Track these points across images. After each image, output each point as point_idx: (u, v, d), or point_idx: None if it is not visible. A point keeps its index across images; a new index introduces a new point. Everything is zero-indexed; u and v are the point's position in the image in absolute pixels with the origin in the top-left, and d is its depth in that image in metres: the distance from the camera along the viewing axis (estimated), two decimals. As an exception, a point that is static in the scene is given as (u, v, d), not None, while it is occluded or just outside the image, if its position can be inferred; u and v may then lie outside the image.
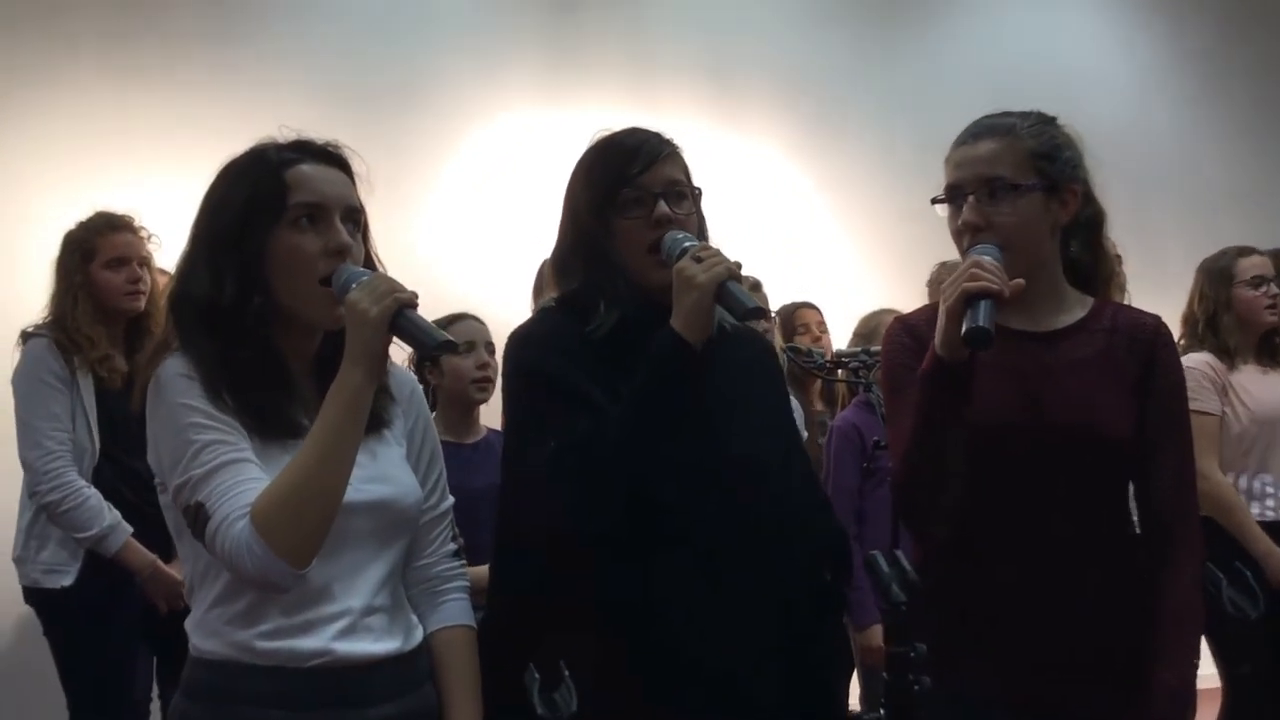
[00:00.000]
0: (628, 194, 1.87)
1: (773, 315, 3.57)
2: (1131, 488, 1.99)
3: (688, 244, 1.80)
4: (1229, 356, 3.70)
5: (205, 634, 1.64)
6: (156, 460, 1.65)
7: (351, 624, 1.65)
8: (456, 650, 1.79)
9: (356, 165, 1.77)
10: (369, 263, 1.74)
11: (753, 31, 5.69)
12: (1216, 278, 3.78)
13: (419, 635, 1.77)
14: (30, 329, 3.27)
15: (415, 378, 1.87)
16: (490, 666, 1.80)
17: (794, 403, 3.59)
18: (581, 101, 5.13)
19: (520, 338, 1.93)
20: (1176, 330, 3.89)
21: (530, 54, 5.30)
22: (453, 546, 1.84)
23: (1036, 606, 1.87)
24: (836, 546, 1.99)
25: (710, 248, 1.79)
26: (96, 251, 3.27)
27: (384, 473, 1.72)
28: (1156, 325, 2.00)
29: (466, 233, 4.93)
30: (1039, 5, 6.25)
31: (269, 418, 1.63)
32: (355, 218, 1.72)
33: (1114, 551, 1.93)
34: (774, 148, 5.66)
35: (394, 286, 1.59)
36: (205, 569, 1.64)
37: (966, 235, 1.89)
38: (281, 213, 1.66)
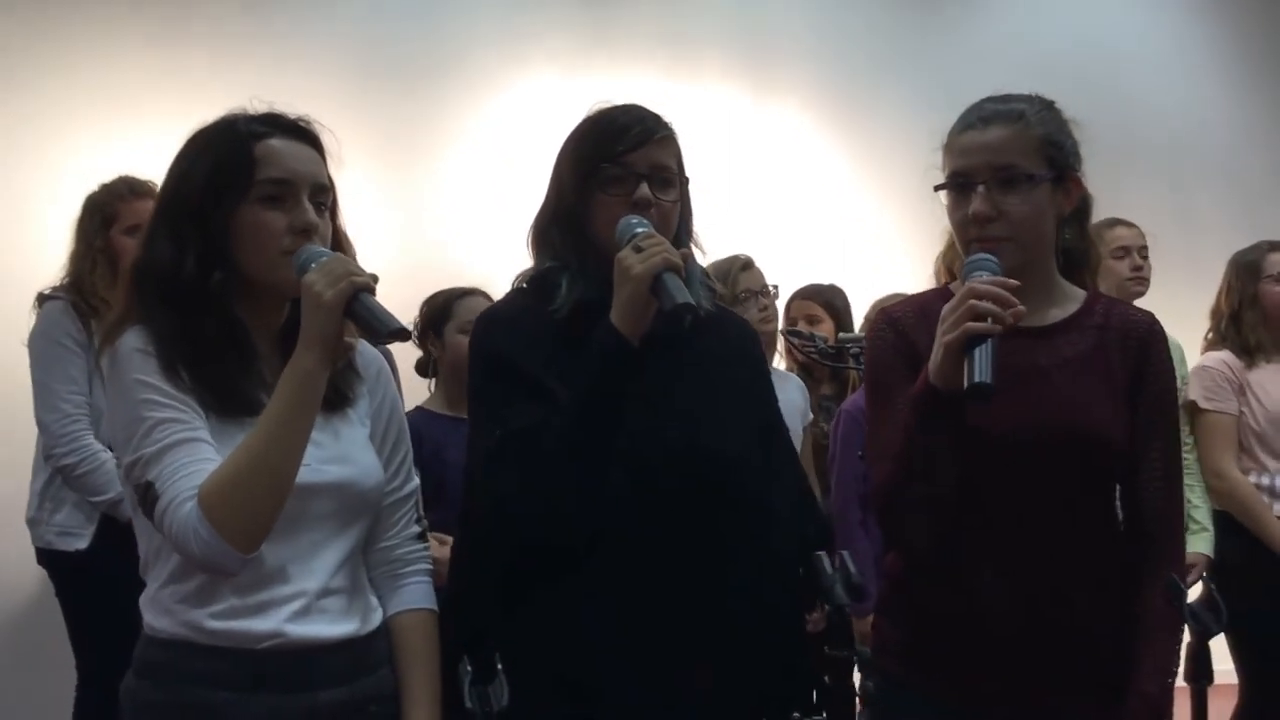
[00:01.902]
0: (611, 170, 1.83)
1: (773, 289, 3.49)
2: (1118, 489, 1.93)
3: (638, 230, 1.76)
4: (1249, 354, 3.62)
5: (158, 611, 1.64)
6: (111, 436, 1.64)
7: (306, 606, 1.64)
8: (416, 634, 1.78)
9: (328, 141, 1.75)
10: (337, 241, 1.73)
11: (787, 5, 5.61)
12: (1244, 271, 3.69)
13: (378, 618, 1.76)
14: (47, 291, 3.27)
15: (380, 356, 1.85)
16: (446, 649, 1.79)
17: (799, 386, 3.57)
18: (612, 73, 5.08)
19: (484, 319, 1.92)
20: (1206, 323, 3.80)
21: (561, 24, 5.26)
22: (416, 529, 1.83)
23: (1020, 611, 1.83)
24: (818, 537, 1.95)
25: (654, 236, 1.74)
26: (117, 216, 3.26)
27: (345, 453, 1.71)
28: (1150, 323, 1.94)
29: (493, 205, 4.90)
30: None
31: (226, 394, 1.62)
32: (323, 196, 1.70)
33: (1100, 555, 1.88)
34: (806, 123, 5.58)
35: (351, 269, 1.57)
36: (159, 546, 1.63)
37: (974, 226, 1.83)
38: (248, 188, 1.64)
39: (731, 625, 1.76)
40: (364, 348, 1.83)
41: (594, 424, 1.71)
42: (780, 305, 3.71)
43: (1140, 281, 3.58)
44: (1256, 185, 6.04)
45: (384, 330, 1.55)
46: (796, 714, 1.37)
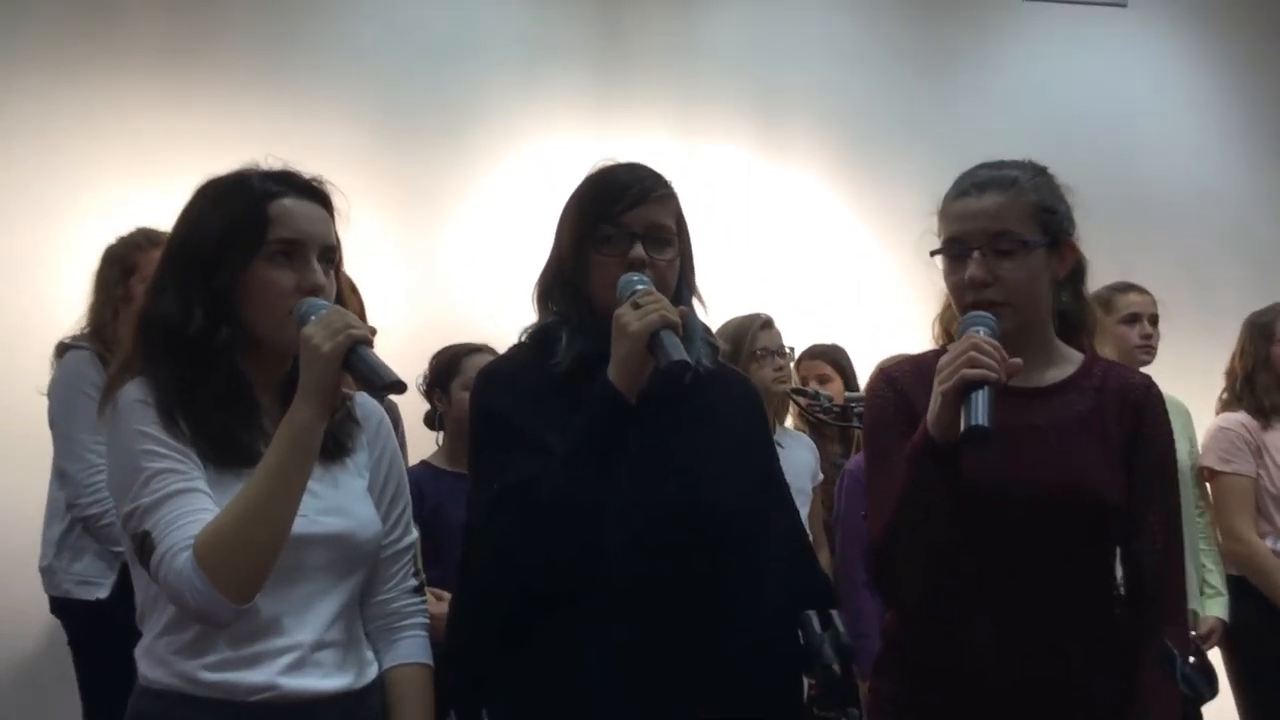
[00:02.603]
0: (607, 230, 1.85)
1: (789, 350, 3.51)
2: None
3: (638, 288, 1.77)
4: (1264, 416, 3.60)
5: (152, 662, 1.64)
6: (110, 485, 1.65)
7: (300, 658, 1.64)
8: (410, 688, 1.77)
9: (338, 201, 1.77)
10: (340, 297, 1.74)
11: (801, 66, 5.65)
12: (1258, 333, 3.69)
13: (373, 672, 1.75)
14: (68, 340, 3.29)
15: (380, 408, 1.86)
16: (443, 704, 1.78)
17: (809, 446, 3.56)
18: (626, 128, 5.13)
19: (485, 375, 1.93)
20: (1218, 388, 3.78)
21: (576, 79, 5.31)
22: (413, 583, 1.83)
23: (1015, 666, 1.81)
24: (815, 594, 1.94)
25: (652, 294, 1.75)
26: (136, 267, 3.27)
27: (343, 505, 1.71)
28: (1146, 385, 1.95)
29: (506, 262, 4.93)
30: (1102, 52, 6.14)
31: (225, 446, 1.63)
32: (330, 255, 1.72)
33: (1097, 612, 1.87)
34: (818, 182, 5.60)
35: (349, 322, 1.58)
36: (155, 596, 1.63)
37: (970, 292, 1.85)
38: (260, 246, 1.66)
39: (731, 668, 1.75)
40: (363, 399, 1.84)
41: (589, 478, 1.71)
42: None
43: (1148, 350, 3.57)
44: (1270, 251, 6.03)
45: (380, 383, 1.56)
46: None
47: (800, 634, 1.35)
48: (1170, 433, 1.95)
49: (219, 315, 1.65)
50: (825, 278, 5.45)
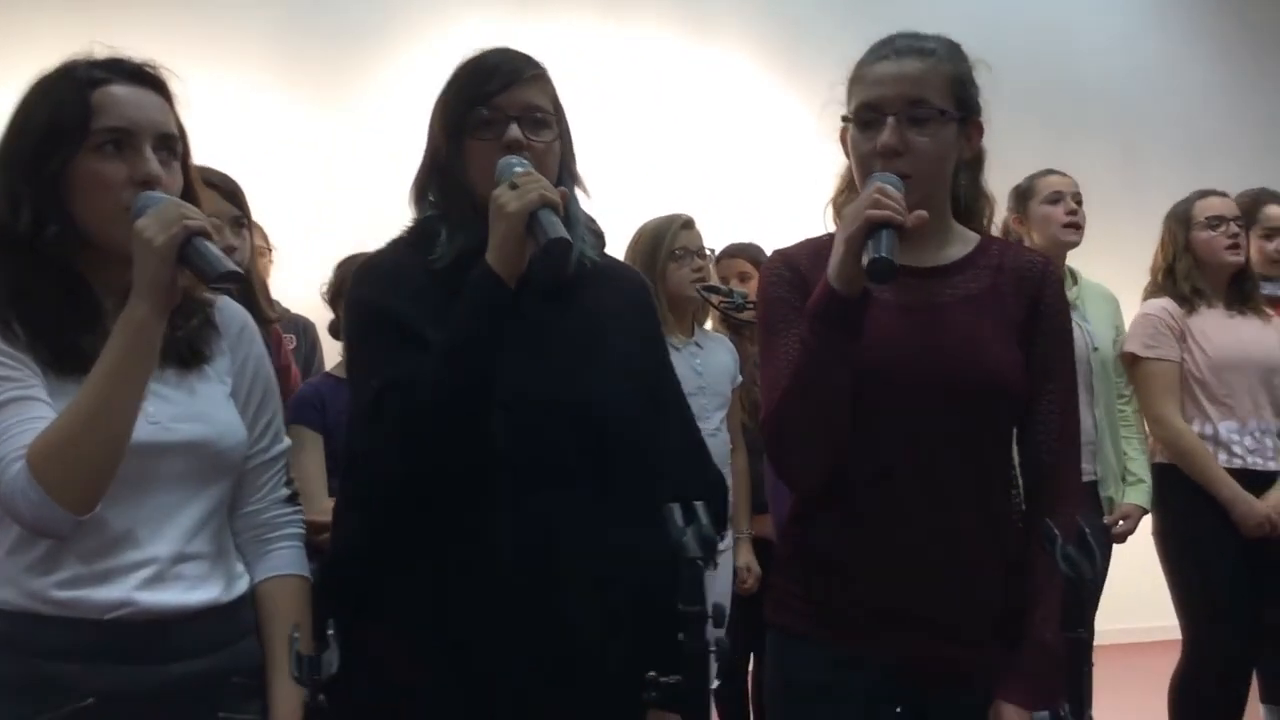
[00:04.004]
0: (481, 114, 1.76)
1: (710, 251, 3.44)
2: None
3: (517, 169, 1.69)
4: (1187, 302, 3.58)
5: (1, 582, 1.56)
6: None
7: (159, 572, 1.57)
8: (283, 601, 1.70)
9: (175, 87, 1.66)
10: (189, 192, 1.64)
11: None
12: (1176, 222, 3.66)
13: (243, 585, 1.69)
14: None
15: (246, 313, 1.77)
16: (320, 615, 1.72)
17: (728, 347, 3.50)
18: (552, 12, 5.00)
19: (360, 269, 1.85)
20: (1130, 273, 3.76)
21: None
22: (285, 492, 1.75)
23: (914, 558, 1.78)
24: (710, 496, 1.89)
25: (531, 174, 1.67)
26: None
27: (201, 411, 1.63)
28: (1044, 265, 1.90)
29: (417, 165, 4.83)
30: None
31: (63, 351, 1.54)
32: (170, 144, 1.62)
33: (994, 502, 1.84)
34: (749, 80, 5.50)
35: (184, 213, 1.49)
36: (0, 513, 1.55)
37: (879, 161, 1.77)
38: (85, 136, 1.56)
39: (612, 575, 1.70)
40: (227, 304, 1.75)
41: (471, 368, 1.64)
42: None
43: (1074, 228, 3.53)
44: (1206, 141, 6.01)
45: (214, 273, 1.47)
46: (651, 673, 1.30)
47: (661, 526, 1.29)
48: (1068, 314, 1.91)
49: (47, 213, 1.55)
50: (758, 172, 5.36)
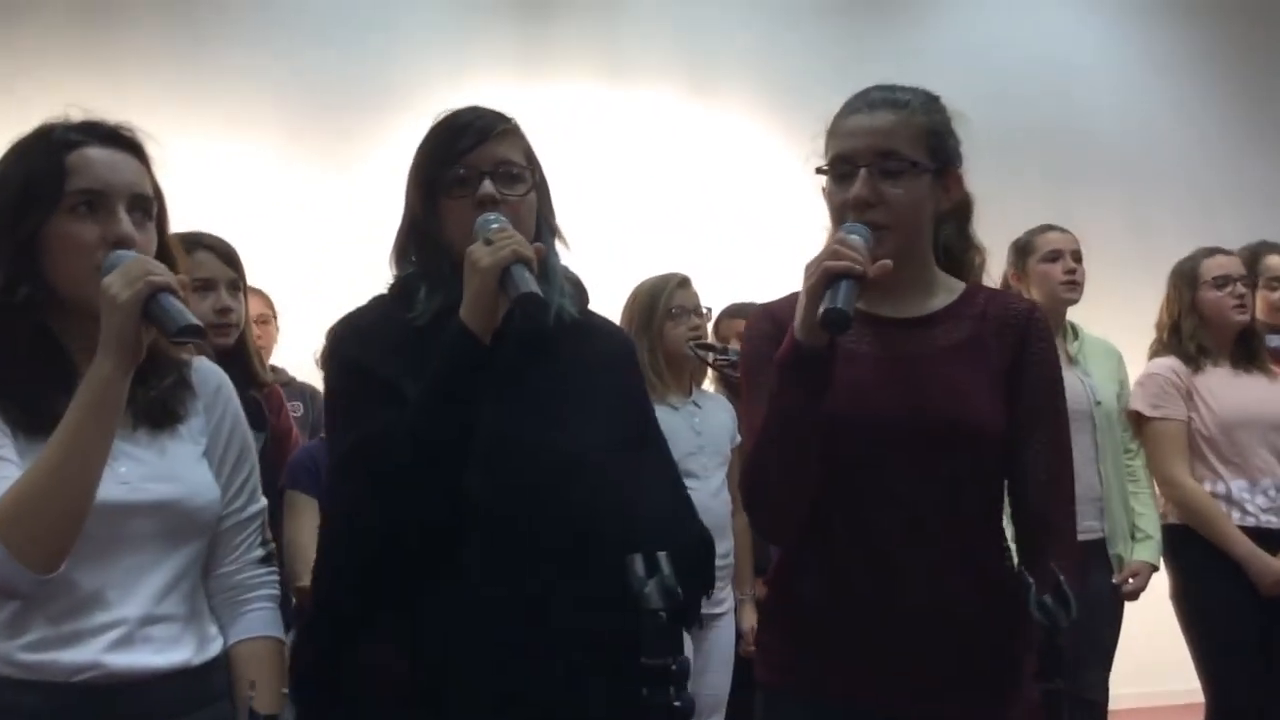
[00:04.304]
0: (454, 173, 1.78)
1: (706, 310, 3.44)
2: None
3: (493, 226, 1.69)
4: (1193, 360, 3.54)
5: None
6: None
7: (127, 634, 1.54)
8: (255, 663, 1.67)
9: (152, 149, 1.67)
10: (165, 255, 1.65)
11: (730, 27, 5.57)
12: (1182, 280, 3.64)
13: (216, 648, 1.66)
14: None
15: (223, 373, 1.76)
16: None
17: (726, 407, 3.48)
18: (552, 88, 5.05)
19: (339, 326, 1.85)
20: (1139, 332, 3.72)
21: (499, 40, 5.23)
22: (260, 552, 1.73)
23: (898, 612, 1.75)
24: (694, 555, 1.87)
25: (506, 230, 1.67)
26: None
27: (172, 471, 1.62)
28: (1029, 311, 1.88)
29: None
30: (1029, 2, 6.07)
31: (33, 410, 1.53)
32: (145, 205, 1.62)
33: (983, 556, 1.80)
34: (750, 141, 5.53)
35: (149, 269, 1.49)
36: None
37: (853, 211, 1.77)
38: (59, 198, 1.57)
39: (593, 627, 1.66)
40: (203, 364, 1.75)
41: (446, 424, 1.63)
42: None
43: (1073, 286, 3.51)
44: (1212, 194, 5.99)
45: (174, 327, 1.46)
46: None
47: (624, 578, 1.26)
48: (1056, 361, 1.88)
49: (20, 274, 1.55)
50: (759, 231, 5.37)
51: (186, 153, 4.13)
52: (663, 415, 3.32)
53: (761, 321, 1.89)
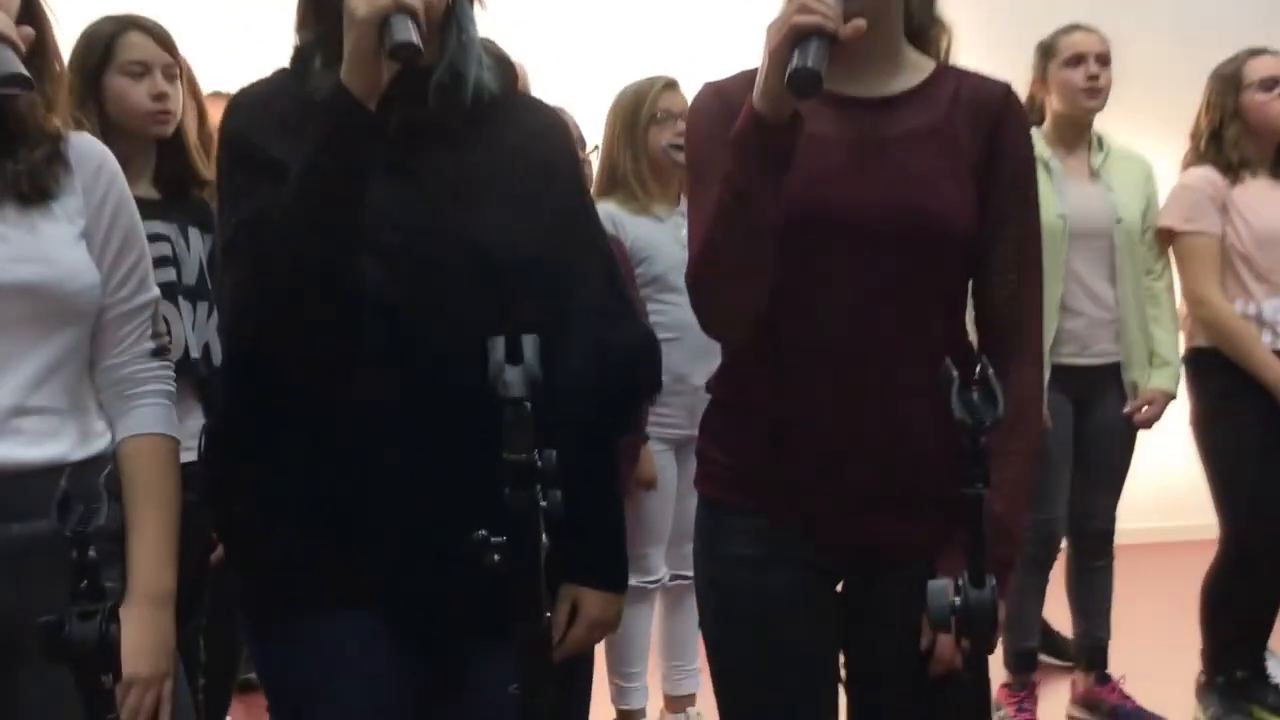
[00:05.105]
0: None
1: None
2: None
3: None
4: (1232, 171, 3.27)
5: None
6: None
7: None
8: (144, 461, 1.57)
9: None
10: (31, 2, 1.49)
11: None
12: (1224, 84, 3.33)
13: (102, 444, 1.55)
14: None
15: (106, 151, 1.60)
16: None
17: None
18: None
19: (234, 100, 1.66)
20: (1184, 144, 3.45)
21: None
22: (150, 345, 1.61)
23: (849, 419, 1.60)
24: (629, 355, 1.71)
25: None
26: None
27: (43, 252, 1.48)
28: (1005, 94, 1.66)
29: None
30: None
31: None
32: None
33: (945, 358, 1.62)
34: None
35: None
36: None
37: None
38: None
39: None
40: (82, 140, 1.60)
41: (325, 197, 1.45)
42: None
43: (1095, 93, 3.23)
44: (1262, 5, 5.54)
45: None
46: (481, 532, 1.13)
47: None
48: (1031, 149, 1.68)
49: None
50: (750, 34, 5.06)
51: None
52: (647, 227, 3.19)
53: (709, 100, 1.68)
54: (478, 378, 1.12)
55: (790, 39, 1.43)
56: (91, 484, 1.50)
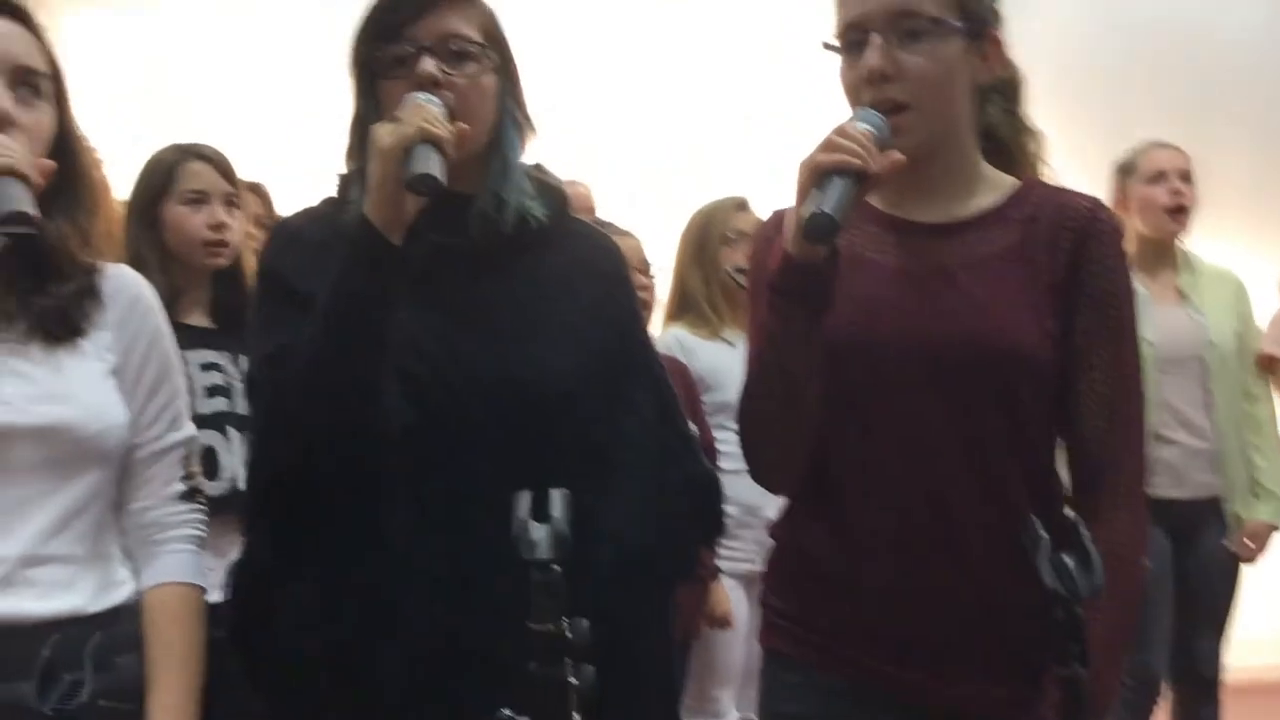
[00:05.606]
0: (392, 50, 1.50)
1: None
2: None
3: (413, 104, 1.42)
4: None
5: None
6: None
7: (5, 576, 1.35)
8: (167, 615, 1.47)
9: (41, 17, 1.46)
10: (66, 141, 1.45)
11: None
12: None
13: (123, 594, 1.46)
14: None
15: (144, 283, 1.55)
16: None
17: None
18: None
19: (273, 230, 1.63)
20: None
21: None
22: (180, 488, 1.52)
23: (916, 573, 1.46)
24: (686, 498, 1.60)
25: (421, 107, 1.40)
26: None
27: (66, 391, 1.41)
28: (1092, 210, 1.51)
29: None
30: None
31: None
32: (31, 80, 1.42)
33: (1024, 506, 1.48)
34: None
35: None
36: None
37: (866, 90, 1.45)
38: None
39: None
40: (120, 272, 1.54)
41: (347, 331, 1.38)
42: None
43: (1178, 211, 3.10)
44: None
45: None
46: (506, 711, 1.01)
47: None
48: (1124, 269, 1.53)
49: None
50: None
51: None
52: (717, 352, 3.10)
53: (771, 227, 1.59)
54: (502, 529, 1.03)
55: (811, 179, 1.35)
56: (115, 638, 1.43)
